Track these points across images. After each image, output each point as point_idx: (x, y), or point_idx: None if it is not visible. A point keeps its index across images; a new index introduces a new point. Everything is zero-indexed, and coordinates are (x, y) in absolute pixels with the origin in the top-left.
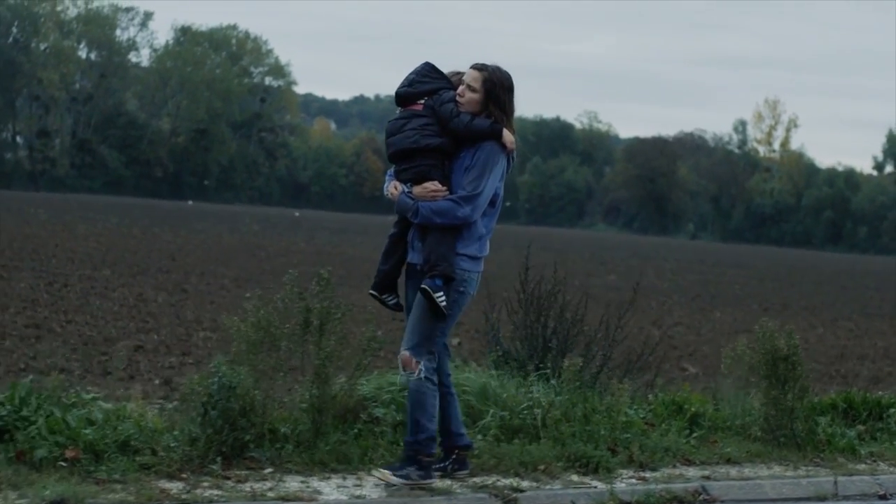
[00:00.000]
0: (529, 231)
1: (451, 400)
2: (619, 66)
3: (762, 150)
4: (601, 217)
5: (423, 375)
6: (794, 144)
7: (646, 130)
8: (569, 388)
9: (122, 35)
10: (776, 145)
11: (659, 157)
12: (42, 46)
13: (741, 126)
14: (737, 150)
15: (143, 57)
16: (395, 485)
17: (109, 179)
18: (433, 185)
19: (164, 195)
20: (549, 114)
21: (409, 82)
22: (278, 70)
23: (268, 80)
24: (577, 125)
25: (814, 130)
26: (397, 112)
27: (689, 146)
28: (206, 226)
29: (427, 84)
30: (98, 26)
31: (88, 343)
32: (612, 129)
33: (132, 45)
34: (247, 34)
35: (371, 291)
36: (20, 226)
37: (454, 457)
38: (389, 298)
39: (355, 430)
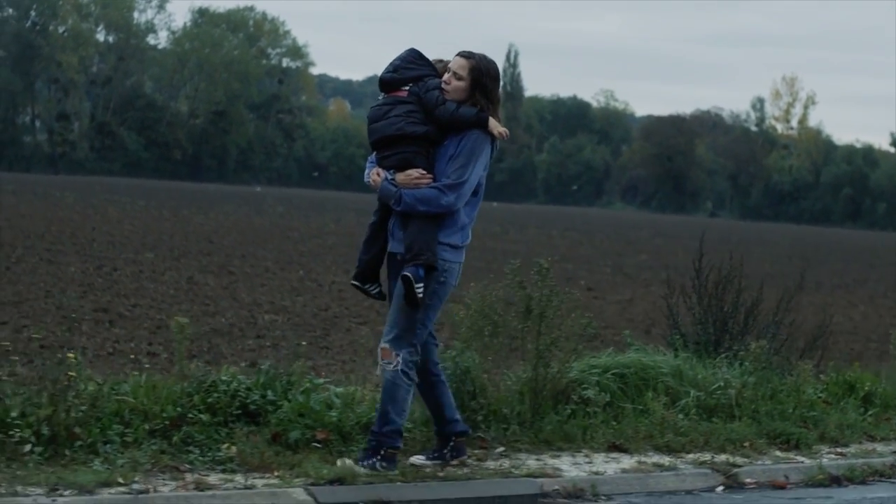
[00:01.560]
0: (548, 210)
1: (443, 388)
2: (631, 44)
3: (780, 127)
4: (619, 196)
5: (400, 368)
6: (812, 121)
7: (661, 109)
8: (756, 369)
9: (139, 17)
10: (794, 123)
11: (677, 136)
12: (61, 30)
13: (759, 103)
14: (754, 128)
15: (160, 39)
16: (358, 474)
17: (129, 162)
18: (417, 173)
19: (184, 177)
20: (564, 93)
21: (394, 68)
22: (296, 51)
23: (285, 62)
24: (594, 104)
25: (831, 107)
26: (380, 98)
27: (706, 124)
28: (231, 208)
29: (412, 71)
30: (116, 9)
31: (161, 327)
32: (628, 108)
33: (150, 28)
34: (264, 15)
35: (353, 282)
36: (53, 210)
37: (451, 444)
38: (372, 288)
39: (568, 411)
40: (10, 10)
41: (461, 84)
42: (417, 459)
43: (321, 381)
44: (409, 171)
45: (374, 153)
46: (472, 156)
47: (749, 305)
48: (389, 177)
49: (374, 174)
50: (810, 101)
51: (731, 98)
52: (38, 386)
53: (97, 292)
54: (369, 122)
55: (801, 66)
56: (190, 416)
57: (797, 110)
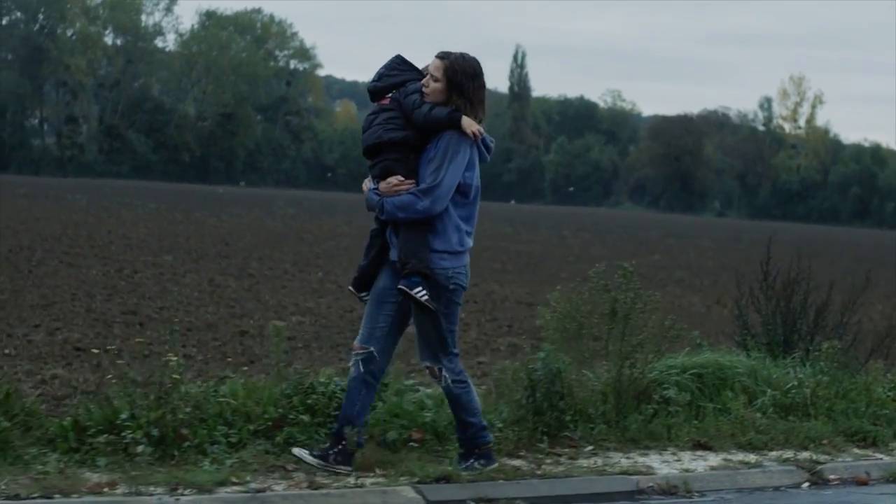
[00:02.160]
0: (556, 211)
1: (370, 393)
2: (634, 44)
3: (787, 126)
4: (627, 196)
5: (449, 381)
6: (820, 121)
7: (668, 108)
8: (828, 369)
9: (147, 20)
10: (802, 122)
11: (684, 135)
12: (69, 33)
13: (766, 103)
14: (762, 128)
15: (168, 42)
16: (464, 476)
17: (137, 164)
18: (395, 180)
19: (192, 179)
20: (570, 93)
21: (379, 76)
22: (303, 53)
23: (293, 64)
24: (601, 104)
25: (839, 107)
26: (372, 108)
27: (713, 124)
28: (241, 210)
29: (395, 77)
30: (123, 12)
31: (192, 329)
32: (635, 108)
33: (158, 31)
34: (271, 17)
35: (349, 288)
36: (67, 213)
37: (340, 447)
38: (366, 296)
39: (650, 411)
40: (18, 14)
41: (438, 85)
42: (300, 452)
43: (410, 382)
44: (389, 179)
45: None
46: (447, 157)
47: (819, 305)
48: (373, 186)
49: (364, 184)
50: (818, 101)
51: (736, 97)
52: (144, 389)
53: (122, 295)
54: (362, 134)
55: (808, 66)
56: (291, 416)
57: (805, 110)
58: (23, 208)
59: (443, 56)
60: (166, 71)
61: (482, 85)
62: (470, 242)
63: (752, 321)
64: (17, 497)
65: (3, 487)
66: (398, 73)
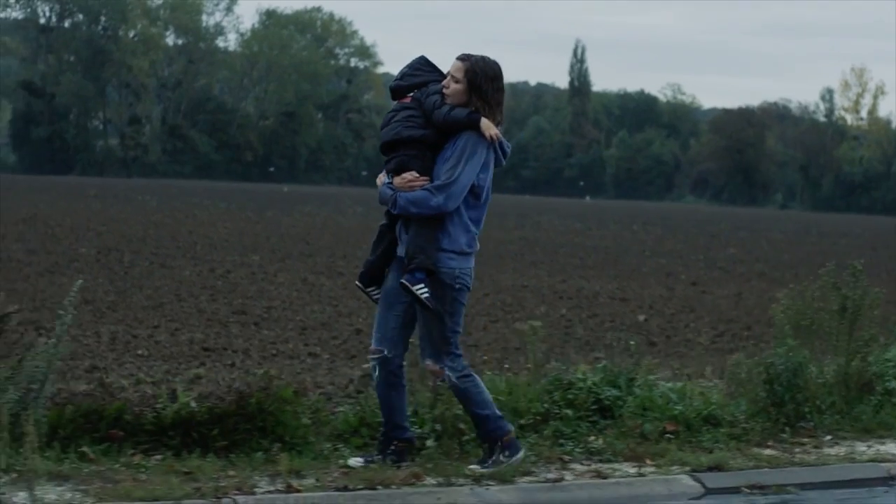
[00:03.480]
0: (620, 205)
1: (402, 392)
2: (688, 37)
3: (850, 118)
4: (688, 189)
5: (454, 379)
6: (882, 112)
7: (726, 101)
8: None
9: (208, 20)
10: (864, 113)
11: (746, 128)
12: (131, 34)
13: (828, 95)
14: (823, 119)
15: (229, 41)
16: (486, 475)
17: (200, 164)
18: (410, 175)
19: (254, 178)
20: (628, 87)
21: (401, 76)
22: (364, 51)
23: (353, 62)
24: (661, 98)
25: None
26: (393, 105)
27: (774, 116)
28: (310, 208)
29: (417, 77)
30: (184, 12)
31: (307, 328)
32: (695, 101)
33: (219, 30)
34: (331, 16)
35: (357, 283)
36: (143, 214)
37: (393, 447)
38: (375, 292)
39: (874, 401)
40: (81, 16)
41: (459, 87)
42: (355, 462)
43: (653, 376)
44: (404, 175)
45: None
46: (463, 156)
47: None
48: (388, 181)
49: (378, 179)
50: (879, 92)
51: (795, 89)
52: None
53: (224, 295)
54: (380, 130)
55: (866, 56)
56: (555, 411)
57: (867, 101)
58: (98, 210)
59: (464, 58)
60: (227, 71)
61: (501, 88)
62: (477, 245)
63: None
64: (345, 489)
65: (330, 481)
66: (421, 73)
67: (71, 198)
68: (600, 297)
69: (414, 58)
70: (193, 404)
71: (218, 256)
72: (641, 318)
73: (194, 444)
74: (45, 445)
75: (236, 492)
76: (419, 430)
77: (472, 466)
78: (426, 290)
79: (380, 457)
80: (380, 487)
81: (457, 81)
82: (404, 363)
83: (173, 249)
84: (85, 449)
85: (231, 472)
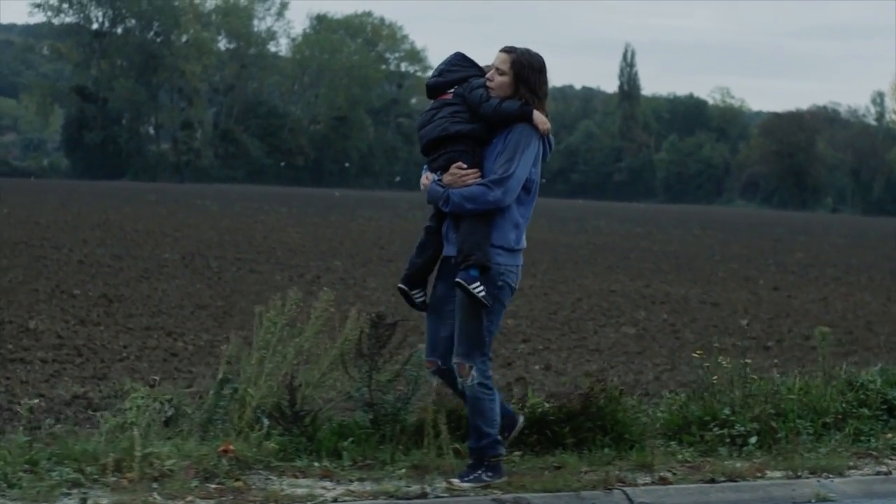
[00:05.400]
0: (672, 209)
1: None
2: (735, 40)
3: None
4: (738, 193)
5: (475, 382)
6: None
7: (774, 105)
8: None
9: (259, 25)
10: None
11: (797, 132)
12: (183, 39)
13: (879, 98)
14: (874, 123)
15: (281, 46)
16: (465, 491)
17: (252, 169)
18: (459, 170)
19: (306, 183)
20: (677, 91)
21: (439, 72)
22: (414, 55)
23: (404, 66)
24: (710, 101)
25: None
26: (429, 105)
27: (823, 119)
28: (370, 212)
29: (456, 73)
30: (236, 17)
31: None
32: (744, 105)
33: (270, 35)
34: (382, 20)
35: (400, 285)
36: (211, 219)
37: (486, 463)
38: (418, 295)
39: None
40: (133, 21)
41: (504, 79)
42: (455, 482)
43: None
44: (453, 169)
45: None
46: (518, 149)
47: None
48: (437, 178)
49: (424, 178)
50: None
51: (843, 92)
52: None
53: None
54: (418, 129)
55: None
56: (853, 410)
57: None
58: (165, 215)
59: (509, 50)
60: (279, 75)
61: (546, 80)
62: (524, 242)
63: None
64: (712, 482)
65: (671, 473)
66: (459, 69)
67: (134, 203)
68: (690, 301)
69: (450, 55)
70: (547, 404)
71: (301, 262)
72: (744, 322)
73: (547, 441)
74: (414, 444)
75: (620, 484)
76: (742, 429)
77: (453, 479)
78: (482, 288)
79: (475, 474)
80: (739, 480)
81: (502, 73)
82: (490, 375)
83: (254, 254)
84: (457, 446)
85: (590, 468)
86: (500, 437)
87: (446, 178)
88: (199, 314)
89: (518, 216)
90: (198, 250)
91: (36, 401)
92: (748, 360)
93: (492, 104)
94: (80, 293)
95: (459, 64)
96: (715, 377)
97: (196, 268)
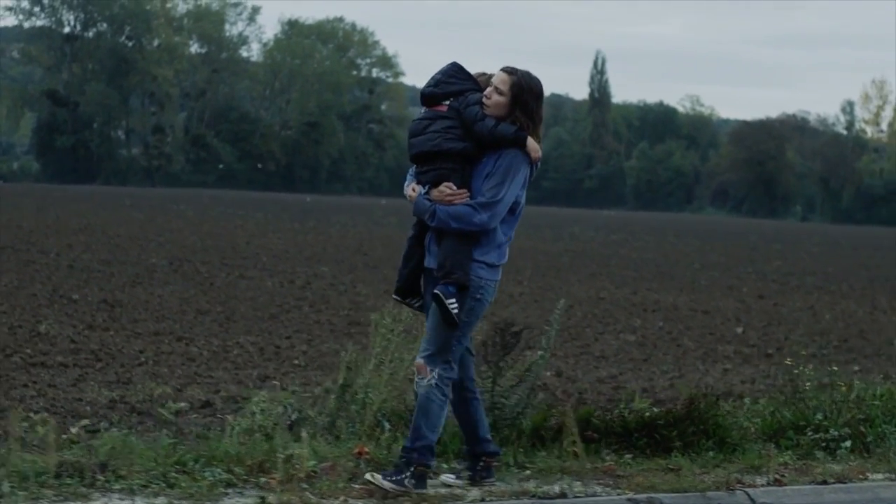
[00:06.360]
0: (643, 217)
1: (477, 405)
2: (705, 48)
3: (870, 130)
4: (708, 201)
5: (433, 382)
6: None
7: (744, 113)
8: None
9: (231, 30)
10: (884, 126)
11: (767, 140)
12: (154, 43)
13: (849, 107)
14: (844, 131)
15: (252, 51)
16: (385, 489)
17: (223, 174)
18: (448, 189)
19: (277, 188)
20: (644, 98)
21: (435, 82)
22: (385, 61)
23: (375, 72)
24: (680, 109)
25: None
26: (421, 112)
27: (793, 128)
28: (345, 218)
29: (453, 85)
30: (208, 22)
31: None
32: (714, 113)
33: (242, 40)
34: (353, 26)
35: (394, 296)
36: (191, 224)
37: (481, 464)
38: (414, 301)
39: None
40: (105, 25)
41: (502, 99)
42: (448, 478)
43: None
44: (441, 188)
45: (414, 166)
46: (508, 175)
47: None
48: (424, 192)
49: (411, 189)
50: None
51: (811, 100)
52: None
53: (333, 308)
54: (409, 136)
55: (886, 69)
56: None
57: (887, 114)
58: (145, 220)
59: (510, 71)
60: (250, 80)
61: (542, 106)
62: (506, 257)
63: None
64: (823, 483)
65: (781, 475)
66: (456, 80)
67: (109, 207)
68: (681, 309)
69: (446, 64)
70: (654, 409)
71: (287, 267)
72: (739, 330)
73: (655, 444)
74: (532, 445)
75: (740, 485)
76: (835, 433)
77: (375, 474)
78: (457, 304)
79: (470, 473)
80: (847, 482)
81: (500, 94)
82: (474, 377)
83: (240, 260)
84: (575, 449)
85: (702, 470)
86: (434, 447)
87: (434, 193)
88: (203, 319)
89: (502, 235)
90: (183, 255)
91: (183, 404)
92: (835, 368)
93: (487, 125)
94: (80, 298)
95: (456, 76)
96: (808, 383)
97: (186, 273)
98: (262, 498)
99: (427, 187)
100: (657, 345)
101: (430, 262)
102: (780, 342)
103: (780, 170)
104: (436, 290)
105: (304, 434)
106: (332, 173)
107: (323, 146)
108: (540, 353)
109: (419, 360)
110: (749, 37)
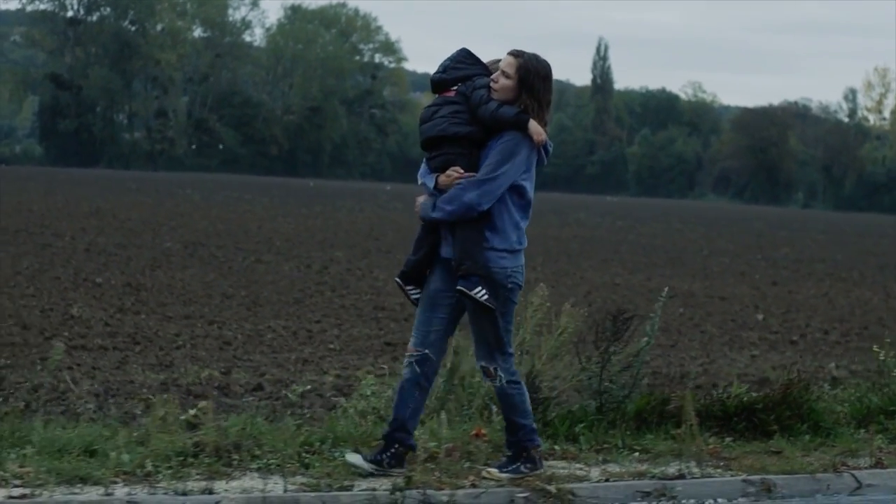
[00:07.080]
0: (646, 203)
1: (423, 397)
2: (707, 35)
3: (872, 118)
4: (710, 187)
5: (504, 381)
6: None
7: (746, 100)
8: None
9: (234, 14)
10: (886, 113)
11: (769, 127)
12: (158, 27)
13: (851, 94)
14: (846, 119)
15: (255, 36)
16: (503, 482)
17: (226, 158)
18: (455, 173)
19: (279, 173)
20: (649, 85)
21: (444, 68)
22: (388, 47)
23: (378, 57)
24: (682, 96)
25: None
26: (434, 99)
27: (795, 115)
28: (351, 203)
29: (461, 70)
30: (211, 6)
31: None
32: (716, 99)
33: (245, 25)
34: (356, 11)
35: (396, 279)
36: (200, 208)
37: (393, 450)
38: (413, 291)
39: None
40: (108, 9)
41: (508, 83)
42: (354, 458)
43: None
44: (449, 171)
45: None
46: (504, 155)
47: None
48: (432, 189)
49: (416, 206)
50: None
51: (813, 87)
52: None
53: (354, 294)
54: (419, 124)
55: (888, 56)
56: None
57: (890, 101)
58: (151, 204)
59: (517, 54)
60: (253, 65)
61: (551, 88)
62: (526, 241)
63: None
64: (878, 465)
65: (880, 458)
66: (465, 66)
67: (116, 191)
68: (697, 296)
69: (455, 50)
70: (752, 394)
71: (302, 252)
72: (760, 317)
73: (753, 428)
74: (637, 428)
75: (844, 467)
76: (864, 433)
77: (490, 469)
78: (484, 292)
79: (379, 457)
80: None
81: (507, 77)
82: (437, 370)
83: (254, 244)
84: (679, 431)
85: (803, 452)
86: (534, 427)
87: (442, 178)
88: (230, 303)
89: (518, 217)
90: (197, 240)
91: (308, 387)
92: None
93: (490, 108)
94: (103, 282)
95: (464, 61)
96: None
97: (202, 257)
98: (409, 478)
99: (434, 174)
100: (681, 331)
101: (446, 251)
102: (802, 329)
103: (782, 157)
104: (458, 287)
105: (442, 416)
106: (334, 158)
107: (325, 131)
108: (645, 339)
109: (481, 364)
110: (751, 24)
